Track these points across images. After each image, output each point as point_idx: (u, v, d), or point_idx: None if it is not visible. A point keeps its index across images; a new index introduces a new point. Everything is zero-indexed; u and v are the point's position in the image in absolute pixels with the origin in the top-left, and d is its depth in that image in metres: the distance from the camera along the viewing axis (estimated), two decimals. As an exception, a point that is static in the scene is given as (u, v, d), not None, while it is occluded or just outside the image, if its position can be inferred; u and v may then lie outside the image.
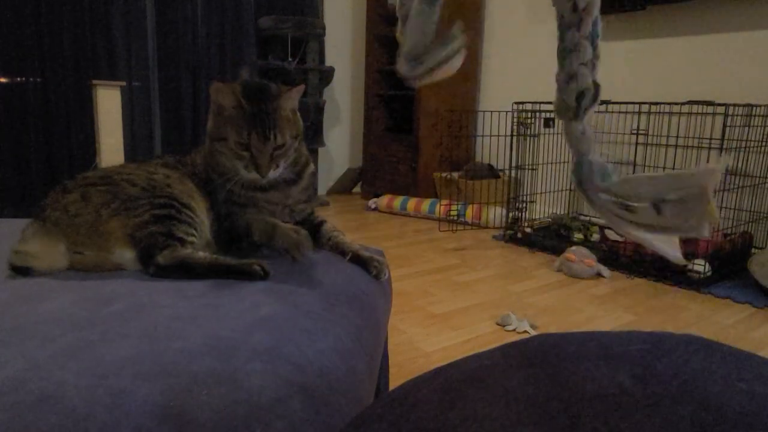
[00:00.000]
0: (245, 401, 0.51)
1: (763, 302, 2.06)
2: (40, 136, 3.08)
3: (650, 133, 2.55)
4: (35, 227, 0.81)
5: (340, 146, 4.44)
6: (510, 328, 1.78)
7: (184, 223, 0.82)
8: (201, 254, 0.80)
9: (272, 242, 0.84)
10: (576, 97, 0.54)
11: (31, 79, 3.03)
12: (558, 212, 3.14)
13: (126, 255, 0.79)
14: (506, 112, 3.05)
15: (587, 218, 3.13)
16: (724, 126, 2.17)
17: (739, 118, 2.29)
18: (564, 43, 0.55)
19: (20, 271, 0.77)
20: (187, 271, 0.77)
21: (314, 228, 0.97)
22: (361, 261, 0.92)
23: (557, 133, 3.05)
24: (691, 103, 2.39)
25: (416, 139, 3.70)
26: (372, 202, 3.72)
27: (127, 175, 0.85)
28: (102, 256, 0.79)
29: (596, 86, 0.55)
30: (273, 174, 0.87)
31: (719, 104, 2.23)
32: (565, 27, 0.55)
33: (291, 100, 0.88)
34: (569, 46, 0.54)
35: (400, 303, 1.98)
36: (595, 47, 0.55)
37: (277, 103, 0.86)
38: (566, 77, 0.55)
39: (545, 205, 3.19)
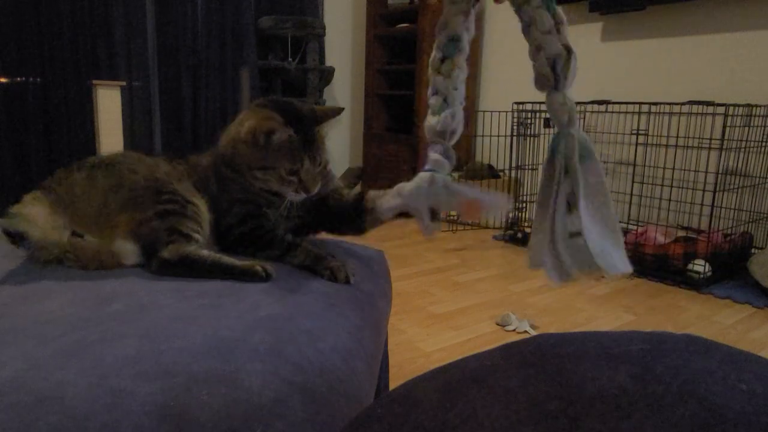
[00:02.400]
0: (245, 401, 0.51)
1: (763, 302, 2.06)
2: (40, 136, 3.08)
3: (650, 133, 2.55)
4: (37, 195, 0.80)
5: (340, 146, 4.44)
6: (510, 328, 1.78)
7: (189, 219, 0.82)
8: (205, 252, 0.79)
9: (312, 268, 0.84)
10: (550, 66, 0.55)
11: (31, 79, 3.03)
12: (558, 212, 3.13)
13: (126, 247, 0.79)
14: (506, 112, 3.05)
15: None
16: (724, 126, 2.17)
17: (739, 118, 2.29)
18: (523, 19, 0.57)
19: (13, 236, 0.74)
20: (189, 268, 0.77)
21: (357, 200, 0.92)
22: None
23: (557, 133, 3.04)
24: (691, 103, 2.39)
25: (416, 139, 3.70)
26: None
27: (130, 165, 0.85)
28: (102, 244, 0.79)
29: (569, 51, 0.56)
30: (317, 190, 0.89)
31: (719, 104, 2.23)
32: (517, 4, 0.57)
33: (330, 124, 0.91)
34: (527, 20, 0.56)
35: (400, 303, 1.98)
36: (554, 13, 0.56)
37: (320, 127, 0.89)
38: (535, 49, 0.56)
39: (545, 205, 3.19)
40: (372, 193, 0.91)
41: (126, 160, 0.87)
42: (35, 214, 0.77)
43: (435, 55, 0.70)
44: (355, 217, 0.92)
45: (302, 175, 0.86)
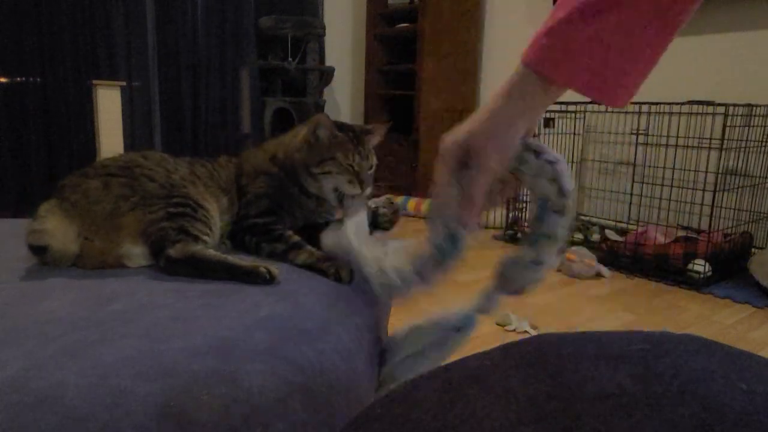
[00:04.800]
0: (245, 401, 0.51)
1: (763, 302, 2.06)
2: (40, 136, 3.08)
3: (650, 133, 2.55)
4: (52, 205, 0.81)
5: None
6: (510, 328, 1.78)
7: (199, 222, 0.83)
8: (211, 251, 0.80)
9: (315, 267, 0.85)
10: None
11: (31, 79, 3.03)
12: (558, 212, 3.13)
13: (133, 250, 0.80)
14: None
15: (587, 218, 3.13)
16: (724, 126, 2.17)
17: (739, 118, 2.29)
18: (543, 227, 0.55)
19: (37, 250, 0.77)
20: (195, 266, 0.77)
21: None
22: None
23: (557, 133, 3.05)
24: (691, 103, 2.39)
25: (416, 139, 3.70)
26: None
27: (148, 170, 0.86)
28: (110, 247, 0.79)
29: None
30: (367, 191, 0.96)
31: (719, 104, 2.23)
32: (547, 210, 0.55)
33: (376, 137, 1.00)
34: (547, 232, 0.54)
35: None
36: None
37: (367, 137, 0.97)
38: (534, 261, 0.56)
39: (545, 205, 3.19)
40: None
41: (145, 164, 0.88)
42: (54, 227, 0.78)
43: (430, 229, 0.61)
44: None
45: (356, 167, 0.93)
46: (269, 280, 0.76)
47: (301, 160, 0.94)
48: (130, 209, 0.80)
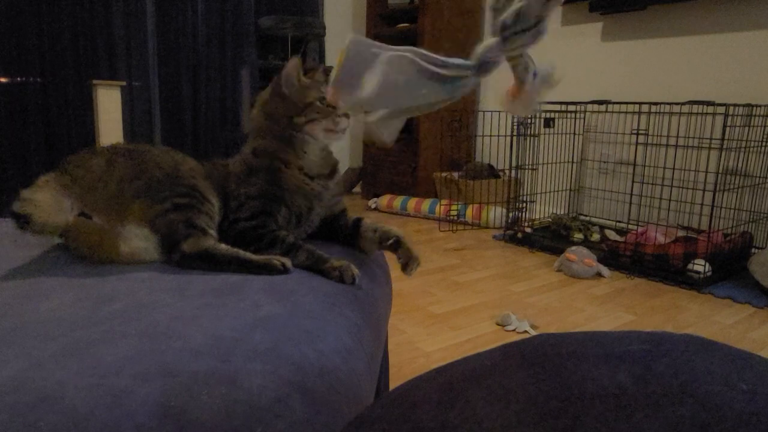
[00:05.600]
0: (245, 401, 0.51)
1: (763, 302, 2.06)
2: (40, 136, 3.08)
3: (650, 133, 2.55)
4: (50, 177, 0.82)
5: (340, 146, 4.44)
6: (510, 328, 1.78)
7: (204, 214, 0.83)
8: (223, 246, 0.81)
9: (315, 269, 0.84)
10: (512, 18, 0.56)
11: (31, 79, 3.03)
12: (558, 212, 3.14)
13: (134, 230, 0.80)
14: (506, 112, 3.05)
15: (587, 218, 3.13)
16: (724, 126, 2.17)
17: (739, 118, 2.29)
18: None
19: (20, 218, 0.77)
20: (210, 261, 0.79)
21: (354, 224, 1.00)
22: (399, 246, 0.94)
23: (557, 133, 3.05)
24: (691, 103, 2.39)
25: (416, 139, 3.70)
26: (372, 202, 3.72)
27: (156, 156, 0.87)
28: (111, 225, 0.79)
29: (538, 23, 0.55)
30: (345, 124, 0.94)
31: (719, 104, 2.23)
32: None
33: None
34: None
35: (400, 303, 1.98)
36: None
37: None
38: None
39: (545, 205, 3.19)
40: (367, 224, 0.99)
41: (154, 150, 0.89)
42: (42, 198, 0.78)
43: None
44: (351, 239, 1.00)
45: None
46: (283, 271, 0.78)
47: (283, 113, 0.92)
48: (137, 195, 0.81)
